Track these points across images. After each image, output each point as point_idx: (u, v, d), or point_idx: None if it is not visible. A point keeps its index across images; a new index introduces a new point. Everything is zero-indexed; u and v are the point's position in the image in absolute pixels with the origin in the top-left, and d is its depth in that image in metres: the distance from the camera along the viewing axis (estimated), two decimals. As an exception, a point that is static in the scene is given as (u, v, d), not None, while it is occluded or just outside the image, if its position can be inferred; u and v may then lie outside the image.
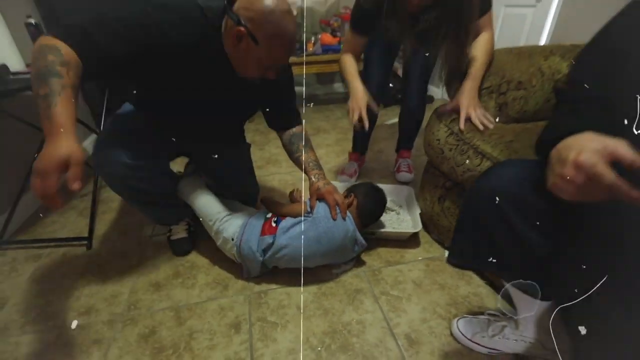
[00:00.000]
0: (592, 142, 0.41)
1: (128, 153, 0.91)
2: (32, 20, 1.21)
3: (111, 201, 1.50)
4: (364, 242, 1.03)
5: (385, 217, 1.23)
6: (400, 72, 2.36)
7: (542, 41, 1.85)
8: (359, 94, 1.10)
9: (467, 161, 0.87)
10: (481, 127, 0.92)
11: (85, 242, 1.23)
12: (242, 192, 1.23)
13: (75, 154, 0.59)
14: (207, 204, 1.08)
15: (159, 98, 0.92)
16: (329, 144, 2.00)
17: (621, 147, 0.38)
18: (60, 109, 0.61)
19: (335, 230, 0.96)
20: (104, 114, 1.47)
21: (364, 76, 1.30)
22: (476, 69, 0.98)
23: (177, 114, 0.95)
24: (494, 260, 0.64)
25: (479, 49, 1.00)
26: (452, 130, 0.94)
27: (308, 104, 1.90)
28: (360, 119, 1.07)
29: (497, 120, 0.99)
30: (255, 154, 1.80)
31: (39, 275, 1.12)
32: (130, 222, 1.36)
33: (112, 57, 0.73)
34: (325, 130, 2.20)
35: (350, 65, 1.18)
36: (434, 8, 0.96)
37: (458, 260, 0.74)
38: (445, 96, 2.11)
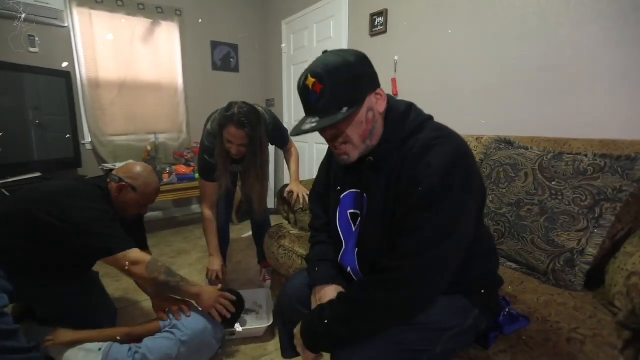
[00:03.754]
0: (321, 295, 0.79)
1: None
2: None
3: None
4: (222, 327, 1.25)
5: (246, 317, 1.46)
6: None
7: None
8: (214, 265, 1.54)
9: (293, 263, 1.28)
10: (307, 198, 1.45)
11: None
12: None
13: (211, 291, 1.22)
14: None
15: None
16: (191, 264, 2.15)
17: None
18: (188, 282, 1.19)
19: (194, 325, 1.17)
20: None
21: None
22: (294, 171, 1.61)
23: None
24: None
25: (292, 161, 1.66)
26: (280, 244, 1.36)
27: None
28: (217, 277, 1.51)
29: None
30: (112, 285, 1.78)
31: None
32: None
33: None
34: (186, 251, 2.35)
35: (209, 225, 1.58)
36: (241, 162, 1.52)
37: (286, 353, 0.95)
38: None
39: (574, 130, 1.36)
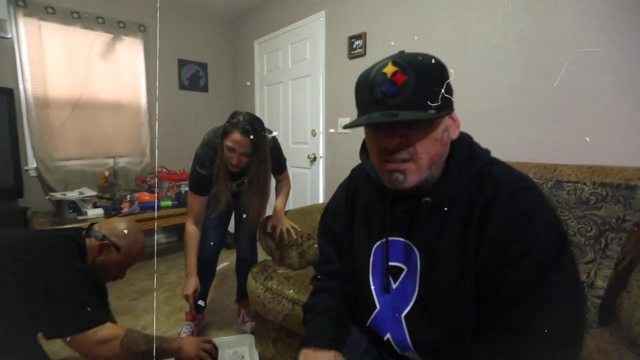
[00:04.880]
0: None
1: None
2: None
3: None
4: None
5: (227, 374, 1.26)
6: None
7: (321, 188, 2.59)
8: (188, 288, 1.36)
9: (284, 308, 1.12)
10: (292, 231, 1.38)
11: None
12: None
13: (191, 342, 1.03)
14: None
15: None
16: (157, 306, 1.89)
17: None
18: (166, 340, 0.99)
19: None
20: None
21: (202, 241, 1.50)
22: (281, 201, 1.51)
23: None
24: None
25: (283, 192, 1.57)
26: (267, 286, 1.21)
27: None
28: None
29: (298, 264, 1.35)
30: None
31: None
32: None
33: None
34: (150, 291, 2.08)
35: (190, 240, 1.43)
36: (245, 174, 1.40)
37: None
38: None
39: (557, 155, 1.37)
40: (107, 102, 2.65)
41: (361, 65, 2.19)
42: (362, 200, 0.75)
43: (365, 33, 2.13)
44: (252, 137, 1.24)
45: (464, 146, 0.62)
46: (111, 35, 2.61)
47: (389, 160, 0.57)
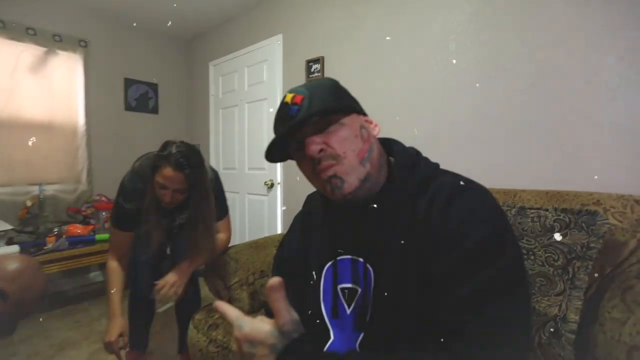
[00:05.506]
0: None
1: None
2: None
3: None
4: None
5: None
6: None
7: (279, 216, 2.44)
8: (112, 334, 1.12)
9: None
10: (172, 291, 1.18)
11: None
12: None
13: None
14: None
15: None
16: (80, 363, 1.57)
17: None
18: None
19: None
20: None
21: (133, 279, 1.32)
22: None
23: None
24: None
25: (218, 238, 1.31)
26: (211, 337, 1.02)
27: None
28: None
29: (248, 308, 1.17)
30: None
31: None
32: None
33: None
34: (75, 343, 1.73)
35: (113, 276, 1.22)
36: (185, 209, 1.22)
37: None
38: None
39: (515, 179, 1.37)
40: (35, 122, 2.33)
41: (320, 89, 2.14)
42: (314, 224, 0.72)
43: (323, 57, 2.10)
44: (186, 171, 1.08)
45: (409, 156, 0.63)
46: (44, 49, 2.35)
47: (323, 170, 0.57)
